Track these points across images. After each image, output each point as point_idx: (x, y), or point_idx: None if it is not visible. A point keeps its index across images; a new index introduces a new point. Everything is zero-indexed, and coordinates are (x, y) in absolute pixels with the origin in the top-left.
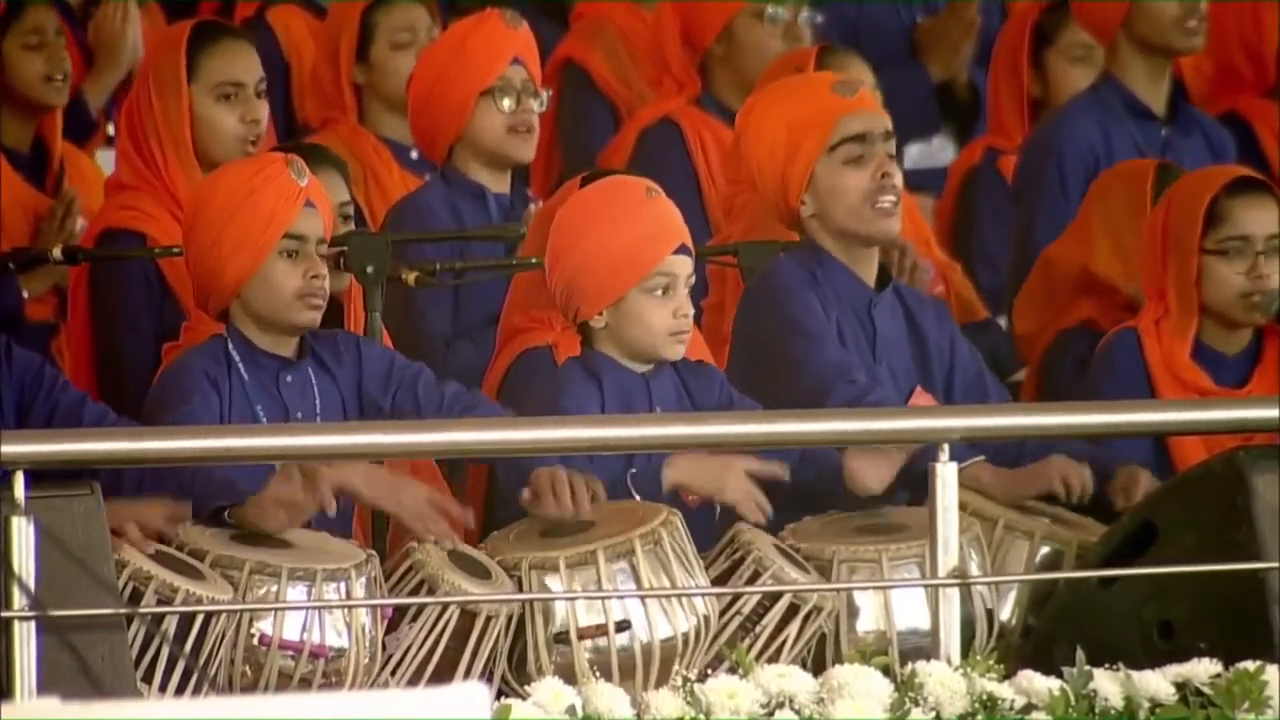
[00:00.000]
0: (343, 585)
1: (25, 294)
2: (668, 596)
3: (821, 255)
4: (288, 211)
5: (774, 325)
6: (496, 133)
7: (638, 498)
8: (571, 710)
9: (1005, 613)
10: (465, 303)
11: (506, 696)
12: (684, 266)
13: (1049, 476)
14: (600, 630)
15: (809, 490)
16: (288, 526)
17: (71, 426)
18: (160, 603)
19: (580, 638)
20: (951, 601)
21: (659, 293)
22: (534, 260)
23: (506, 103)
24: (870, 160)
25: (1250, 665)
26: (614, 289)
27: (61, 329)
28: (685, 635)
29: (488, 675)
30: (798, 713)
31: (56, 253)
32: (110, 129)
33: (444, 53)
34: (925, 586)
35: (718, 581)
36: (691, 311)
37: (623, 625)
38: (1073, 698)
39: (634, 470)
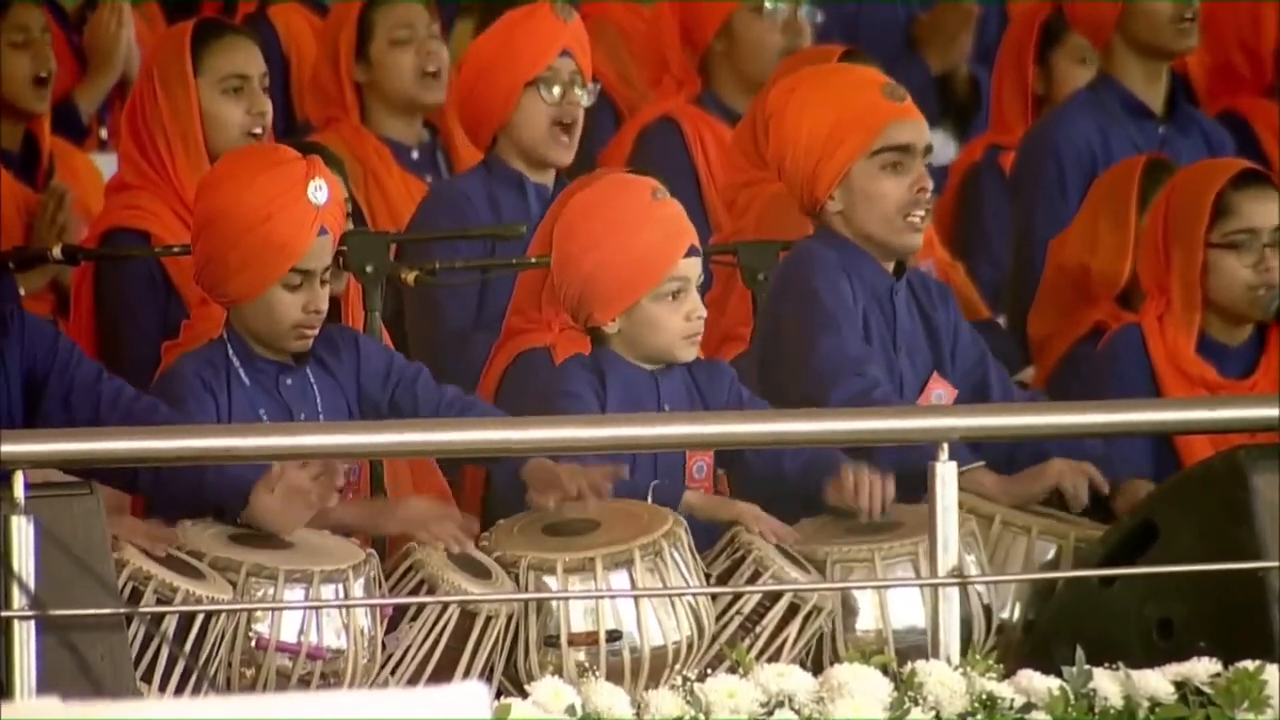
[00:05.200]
0: (340, 587)
1: (22, 291)
2: (668, 596)
3: (845, 243)
4: (299, 244)
5: (794, 304)
6: (539, 128)
7: (650, 500)
8: (571, 709)
9: (1006, 609)
10: (490, 295)
11: (505, 696)
12: (694, 269)
13: (1051, 480)
14: (591, 638)
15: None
16: (295, 526)
17: (89, 403)
18: (160, 602)
19: (571, 643)
20: (951, 601)
21: (670, 298)
22: (534, 260)
23: (554, 91)
24: (909, 171)
25: (1250, 665)
26: (627, 297)
27: (60, 325)
28: (676, 645)
29: (487, 675)
30: (797, 712)
31: (56, 252)
32: (103, 133)
33: (493, 42)
34: (924, 586)
35: (718, 582)
36: (704, 313)
37: (614, 635)
38: (1072, 697)
39: (657, 483)
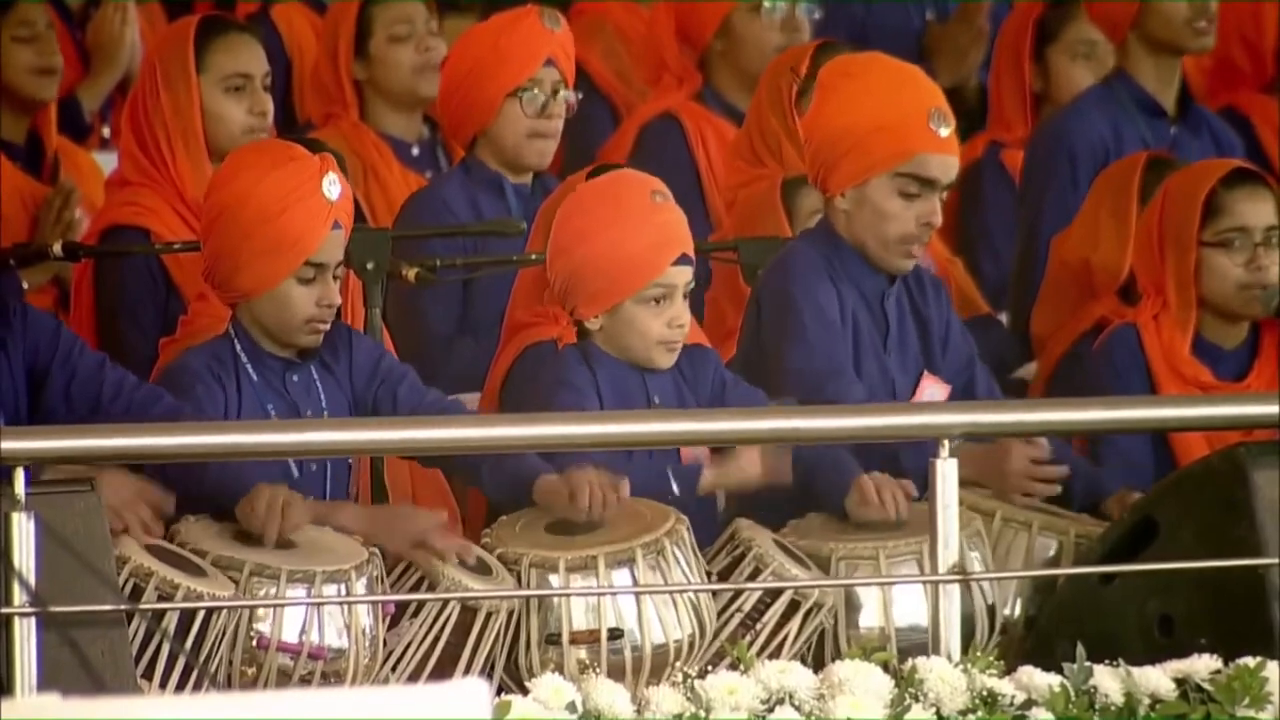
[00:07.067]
0: (342, 587)
1: (25, 286)
2: (668, 592)
3: (839, 242)
4: (314, 237)
5: (771, 308)
6: (518, 137)
7: (676, 488)
8: (571, 706)
9: (1007, 606)
10: (474, 301)
11: (506, 692)
12: (682, 276)
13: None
14: (593, 636)
15: (813, 495)
16: (275, 533)
17: (90, 393)
18: (161, 599)
19: (572, 642)
20: (952, 598)
21: (654, 302)
22: (534, 256)
23: (535, 104)
24: (923, 202)
25: (1250, 661)
26: (609, 297)
27: (62, 320)
28: (678, 643)
29: (488, 671)
30: (798, 709)
31: (57, 248)
32: (106, 131)
33: (479, 47)
34: (926, 583)
35: (719, 578)
36: (687, 321)
37: (615, 633)
38: (1073, 693)
39: (676, 467)
